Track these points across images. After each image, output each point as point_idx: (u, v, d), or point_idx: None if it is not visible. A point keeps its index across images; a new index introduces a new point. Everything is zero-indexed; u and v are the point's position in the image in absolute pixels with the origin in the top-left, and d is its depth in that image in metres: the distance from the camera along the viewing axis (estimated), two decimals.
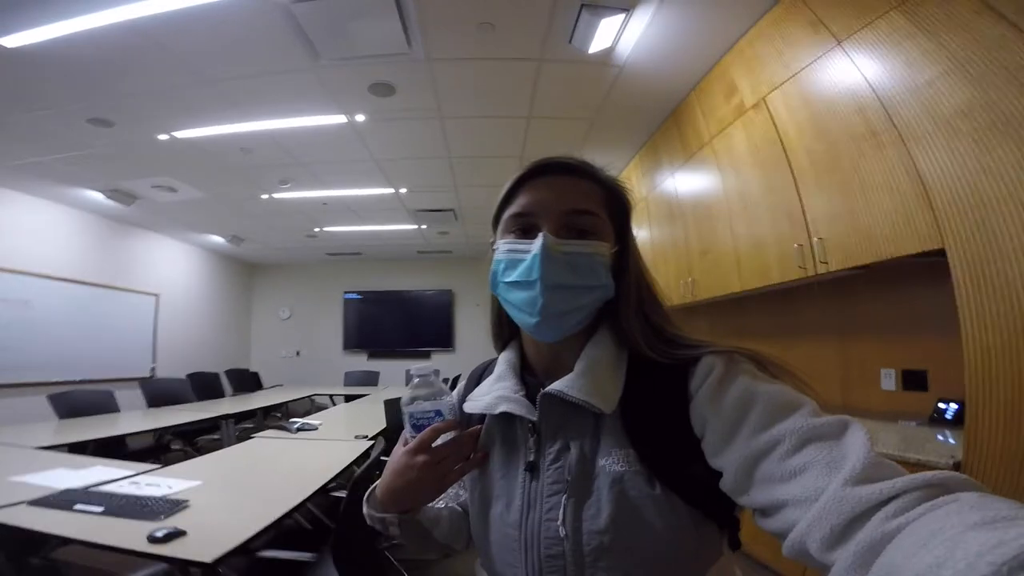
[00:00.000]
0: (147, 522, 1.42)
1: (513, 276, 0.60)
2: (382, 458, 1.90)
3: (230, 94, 2.90)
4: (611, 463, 0.55)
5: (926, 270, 1.78)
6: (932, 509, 0.33)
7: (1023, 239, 1.27)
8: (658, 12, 2.26)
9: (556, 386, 0.58)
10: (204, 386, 5.24)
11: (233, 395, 5.80)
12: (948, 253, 1.45)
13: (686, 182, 3.17)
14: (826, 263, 1.94)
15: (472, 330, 8.23)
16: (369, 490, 0.67)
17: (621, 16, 2.24)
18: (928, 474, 0.37)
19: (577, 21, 2.27)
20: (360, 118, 3.23)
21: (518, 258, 0.60)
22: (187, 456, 3.46)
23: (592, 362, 0.59)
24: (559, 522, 0.55)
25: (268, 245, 7.01)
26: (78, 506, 1.54)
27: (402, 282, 8.35)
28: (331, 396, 5.87)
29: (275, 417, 5.72)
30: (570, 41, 2.41)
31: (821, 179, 1.97)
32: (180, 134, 3.37)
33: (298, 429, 3.10)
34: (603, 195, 0.63)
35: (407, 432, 0.62)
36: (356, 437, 2.84)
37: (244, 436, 3.14)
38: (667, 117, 3.30)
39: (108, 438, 2.97)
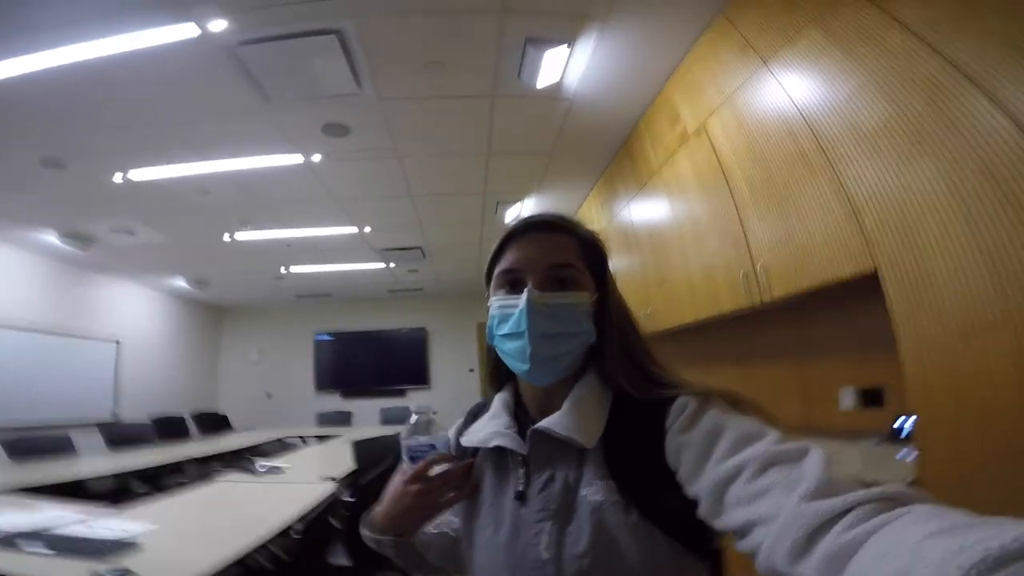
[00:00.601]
0: (94, 562, 1.38)
1: (505, 329, 0.67)
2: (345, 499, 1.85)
3: (182, 135, 2.88)
4: (592, 492, 0.60)
5: (870, 288, 1.81)
6: (888, 521, 0.35)
7: (948, 256, 1.29)
8: (599, 43, 2.31)
9: (544, 423, 0.64)
10: (169, 428, 5.08)
11: (201, 437, 5.61)
12: (880, 274, 1.47)
13: (641, 212, 3.20)
14: (770, 290, 1.96)
15: (448, 367, 8.15)
16: (367, 513, 0.74)
17: (564, 48, 2.29)
18: (880, 487, 0.39)
19: (523, 56, 2.32)
20: (316, 158, 3.23)
21: (508, 312, 0.67)
22: (147, 499, 3.30)
23: (578, 400, 0.65)
24: (542, 546, 0.59)
25: (233, 287, 6.88)
26: (24, 545, 1.52)
27: (374, 322, 8.29)
28: (302, 437, 5.69)
29: (246, 459, 5.51)
30: (519, 76, 2.46)
31: (760, 204, 1.99)
32: (135, 175, 3.31)
33: (264, 471, 3.02)
34: (580, 248, 0.70)
35: (405, 463, 0.69)
36: (323, 479, 2.76)
37: (207, 477, 3.01)
38: (620, 147, 3.36)
39: (65, 483, 2.88)
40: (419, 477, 0.67)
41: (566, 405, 0.65)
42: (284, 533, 1.86)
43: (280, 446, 5.64)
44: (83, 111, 2.58)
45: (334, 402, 7.84)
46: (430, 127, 2.95)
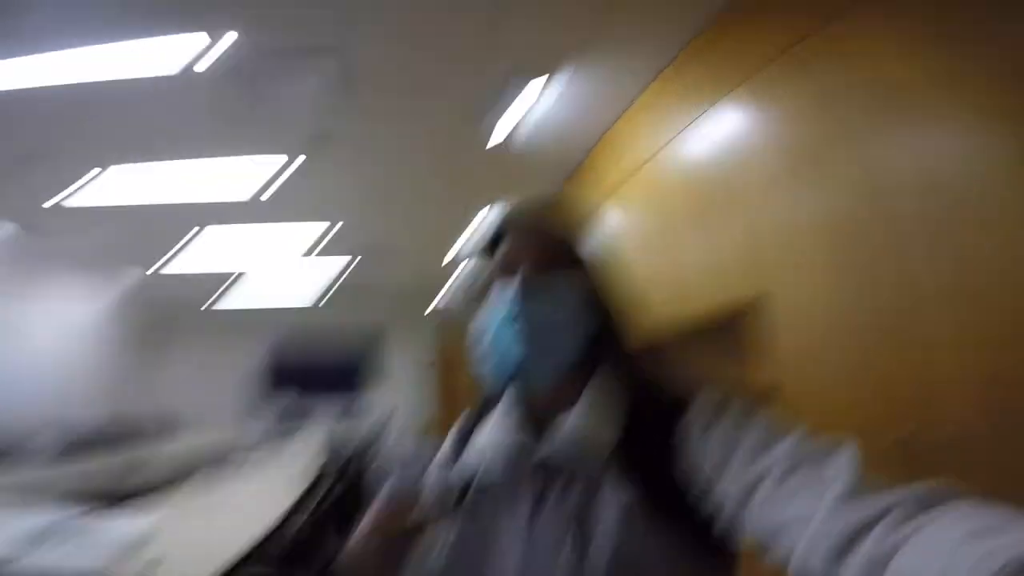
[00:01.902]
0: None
1: (498, 320, 0.65)
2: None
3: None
4: (613, 501, 0.57)
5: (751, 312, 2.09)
6: (924, 524, 0.35)
7: (813, 291, 1.70)
8: (565, 88, 2.65)
9: (547, 449, 0.61)
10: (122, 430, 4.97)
11: (155, 438, 5.52)
12: (766, 301, 1.85)
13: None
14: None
15: (404, 367, 8.31)
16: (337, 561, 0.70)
17: (535, 88, 2.60)
18: (917, 487, 0.39)
19: (498, 93, 2.62)
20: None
21: (499, 303, 0.65)
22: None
23: (588, 407, 0.62)
24: (562, 557, 0.57)
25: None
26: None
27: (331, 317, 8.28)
28: (259, 438, 5.66)
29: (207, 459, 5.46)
30: (492, 105, 2.75)
31: (691, 237, 2.32)
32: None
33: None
34: (569, 242, 0.69)
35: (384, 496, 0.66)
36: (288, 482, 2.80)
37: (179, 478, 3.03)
38: (570, 176, 3.70)
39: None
40: (388, 523, 0.64)
41: (576, 411, 0.62)
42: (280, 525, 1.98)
43: (236, 446, 5.66)
44: (78, 109, 2.65)
45: (291, 401, 7.81)
46: (407, 142, 3.28)
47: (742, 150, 2.02)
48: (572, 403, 0.63)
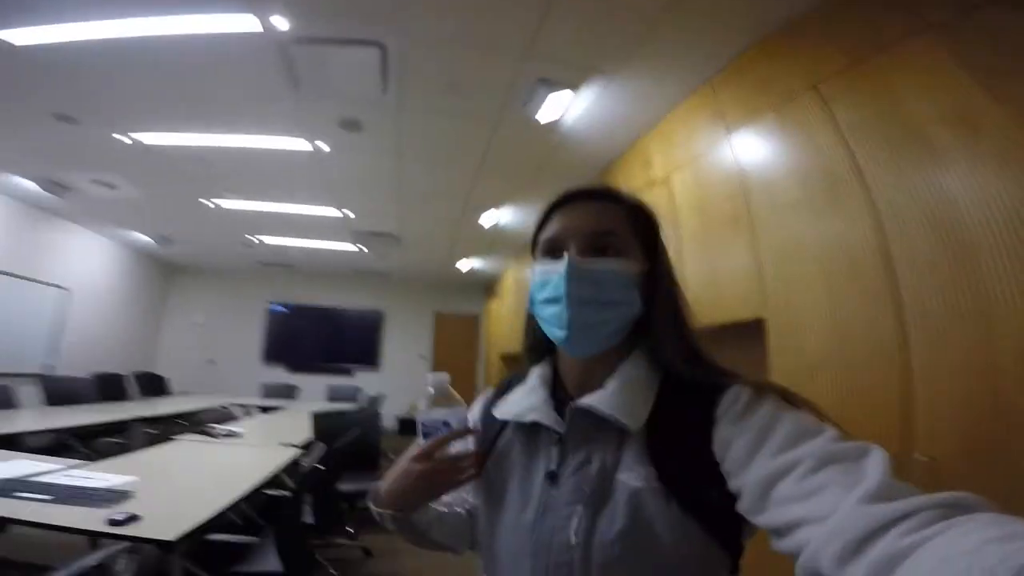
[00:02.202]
0: (99, 508, 1.50)
1: (544, 294, 0.66)
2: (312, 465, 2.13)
3: (204, 109, 3.10)
4: (630, 479, 0.57)
5: (760, 329, 2.14)
6: (948, 528, 0.33)
7: (810, 314, 1.81)
8: (600, 92, 2.71)
9: (587, 400, 0.61)
10: (109, 387, 5.02)
11: (140, 398, 5.57)
12: (767, 321, 1.99)
13: None
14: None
15: (399, 352, 8.37)
16: (374, 486, 0.72)
17: (569, 92, 2.69)
18: (945, 494, 0.37)
19: (533, 93, 2.70)
20: (323, 146, 3.51)
21: (548, 278, 0.65)
22: (90, 458, 3.38)
23: (625, 380, 0.62)
24: (572, 530, 0.57)
25: (197, 248, 6.86)
26: (22, 494, 1.57)
27: (332, 298, 8.37)
28: (246, 407, 5.77)
29: (181, 424, 5.52)
30: (524, 107, 2.84)
31: (696, 252, 2.49)
32: (140, 137, 3.47)
33: (222, 434, 3.20)
34: (626, 215, 0.68)
35: (419, 438, 0.66)
36: (281, 444, 2.98)
37: (157, 440, 3.13)
38: (595, 177, 3.79)
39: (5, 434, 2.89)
40: (427, 456, 0.63)
41: (612, 384, 0.62)
42: (254, 491, 2.03)
43: (222, 413, 5.74)
44: (120, 78, 2.77)
45: (280, 374, 7.88)
46: (436, 137, 3.32)
47: (764, 173, 2.12)
48: (604, 381, 0.63)
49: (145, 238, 6.40)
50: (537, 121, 2.95)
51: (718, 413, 0.57)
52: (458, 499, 0.78)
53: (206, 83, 2.81)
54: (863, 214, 1.66)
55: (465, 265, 7.01)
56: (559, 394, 0.69)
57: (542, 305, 0.66)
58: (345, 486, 3.03)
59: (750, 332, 2.08)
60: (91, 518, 1.45)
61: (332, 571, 2.72)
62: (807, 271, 1.86)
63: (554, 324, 0.65)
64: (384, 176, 4.00)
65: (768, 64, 2.12)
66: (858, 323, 1.66)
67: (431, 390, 0.66)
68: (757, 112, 2.16)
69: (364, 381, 7.63)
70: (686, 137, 2.68)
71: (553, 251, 0.67)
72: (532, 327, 0.73)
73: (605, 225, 0.66)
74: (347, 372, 8.14)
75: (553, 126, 3.06)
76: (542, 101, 2.74)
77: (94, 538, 1.98)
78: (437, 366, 8.42)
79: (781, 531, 0.45)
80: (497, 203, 4.51)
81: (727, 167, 2.33)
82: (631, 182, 3.24)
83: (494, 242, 5.79)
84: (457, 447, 0.65)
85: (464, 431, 0.65)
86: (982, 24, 1.40)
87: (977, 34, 1.41)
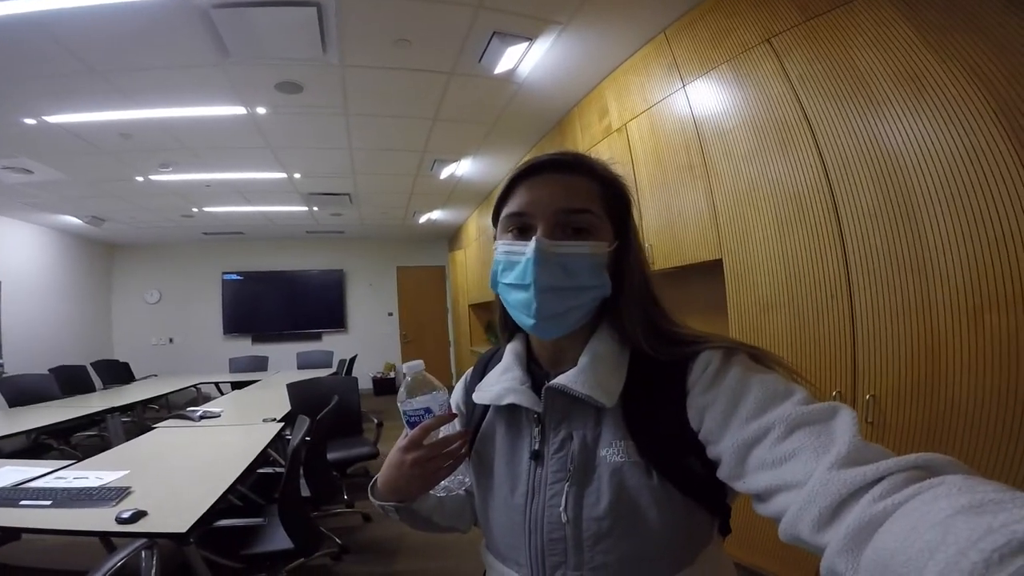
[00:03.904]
0: (104, 508, 1.51)
1: (510, 278, 0.62)
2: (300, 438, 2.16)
3: (120, 83, 2.83)
4: (611, 454, 0.58)
5: (719, 268, 2.31)
6: (919, 492, 0.34)
7: (763, 255, 1.94)
8: (555, 42, 2.65)
9: (560, 380, 0.61)
10: (70, 380, 4.82)
11: (104, 388, 5.40)
12: (724, 262, 2.12)
13: None
14: (654, 263, 2.55)
15: (366, 310, 8.31)
16: (372, 480, 0.71)
17: (525, 44, 2.62)
18: (913, 456, 0.38)
19: (488, 45, 2.61)
20: (261, 111, 3.30)
21: (514, 260, 0.61)
22: (65, 455, 3.32)
23: (594, 357, 0.62)
24: (561, 508, 0.58)
25: (135, 225, 6.45)
26: (23, 502, 1.58)
27: (289, 262, 8.14)
28: (217, 384, 5.69)
29: (153, 410, 5.42)
30: (479, 61, 2.74)
31: (655, 198, 2.57)
32: (52, 119, 3.16)
33: (201, 417, 3.15)
34: (600, 191, 0.63)
35: (405, 428, 0.65)
36: (264, 420, 2.97)
37: (133, 430, 3.09)
38: (553, 127, 3.80)
39: None
40: (416, 444, 0.62)
41: (583, 361, 0.62)
42: (248, 469, 2.04)
43: (196, 393, 5.64)
44: (16, 59, 2.49)
45: (245, 347, 7.74)
46: (384, 93, 3.15)
47: (718, 122, 2.17)
48: (575, 357, 0.63)
49: (76, 221, 5.95)
50: (493, 73, 2.86)
51: (690, 382, 0.57)
52: (455, 482, 0.78)
53: (122, 56, 2.55)
54: (812, 163, 1.75)
55: (424, 218, 6.89)
56: (535, 371, 0.69)
57: (508, 289, 0.63)
58: (332, 454, 3.02)
59: (713, 270, 2.20)
60: (99, 519, 1.45)
61: (337, 539, 2.79)
62: (760, 215, 1.97)
63: (521, 311, 0.62)
64: (331, 135, 3.81)
65: (723, 17, 2.12)
66: (807, 266, 1.79)
67: (408, 379, 0.66)
68: (711, 63, 2.19)
69: (334, 344, 7.60)
70: (641, 86, 2.68)
71: (519, 229, 0.63)
72: (500, 304, 0.70)
73: (577, 202, 0.61)
74: (316, 337, 8.06)
75: (509, 77, 2.97)
76: (497, 53, 2.65)
77: (105, 538, 1.98)
78: (404, 321, 8.45)
79: (761, 496, 0.47)
80: (454, 156, 4.41)
81: (682, 116, 2.37)
82: (588, 131, 3.25)
83: (453, 193, 5.70)
84: (443, 431, 0.65)
85: (447, 416, 0.65)
86: None
87: None
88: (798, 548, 0.42)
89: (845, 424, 0.44)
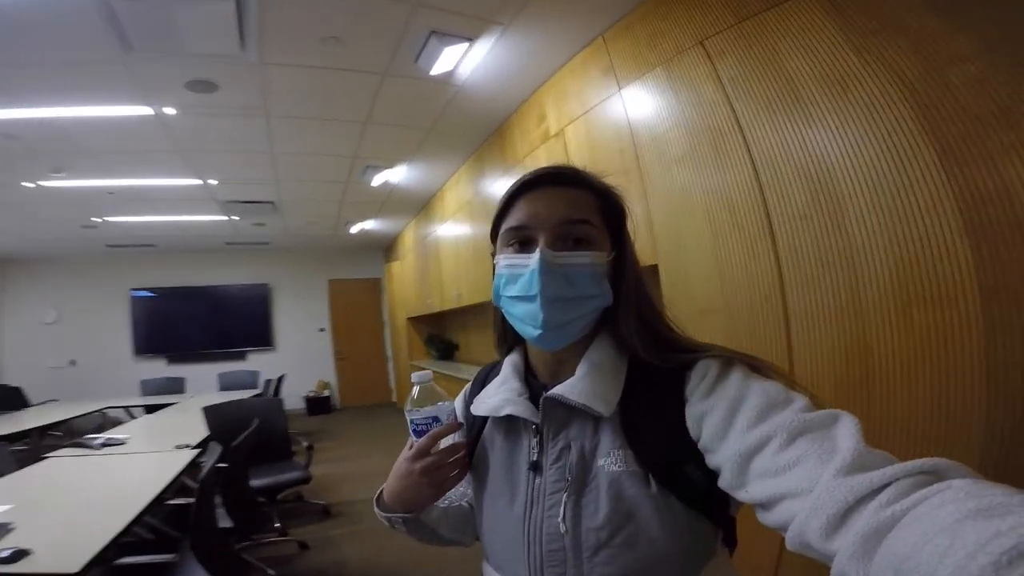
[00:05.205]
0: None
1: (514, 291, 0.63)
2: (219, 466, 2.00)
3: (3, 79, 2.49)
4: (609, 463, 0.58)
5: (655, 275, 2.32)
6: (927, 497, 0.34)
7: (698, 260, 1.95)
8: (495, 44, 2.57)
9: (557, 390, 0.61)
10: None
11: None
12: (659, 267, 2.13)
13: (503, 190, 3.66)
14: None
15: (295, 327, 7.90)
16: (378, 492, 0.72)
17: (464, 45, 2.52)
18: (919, 461, 0.38)
19: (425, 45, 2.50)
20: (170, 111, 3.01)
21: (518, 272, 0.62)
22: None
23: (592, 366, 0.62)
24: (560, 518, 0.58)
25: (25, 237, 5.77)
26: None
27: (208, 276, 7.59)
28: (128, 408, 5.20)
29: (55, 436, 4.83)
30: (415, 61, 2.62)
31: None
32: None
33: (102, 445, 2.85)
34: (597, 202, 0.65)
35: (411, 437, 0.67)
36: (177, 447, 2.74)
37: (29, 461, 2.74)
38: (492, 133, 3.73)
39: None
40: (424, 453, 0.64)
41: (580, 370, 0.62)
42: (156, 501, 1.88)
43: (103, 419, 5.11)
44: None
45: (159, 368, 7.11)
46: (311, 94, 2.97)
47: (653, 126, 2.17)
48: (573, 368, 0.64)
49: None
50: (430, 74, 2.75)
51: (688, 391, 0.57)
52: (459, 494, 0.79)
53: (5, 49, 2.25)
54: (743, 167, 1.77)
55: (357, 227, 6.65)
56: (533, 382, 0.69)
57: (511, 301, 0.64)
58: (258, 480, 2.87)
59: (648, 277, 2.22)
60: None
61: (270, 570, 2.60)
62: (694, 221, 1.97)
63: (527, 323, 0.63)
64: (251, 138, 3.55)
65: (659, 19, 2.13)
66: (741, 269, 1.80)
67: (416, 389, 0.67)
68: (647, 66, 2.19)
69: (260, 363, 7.13)
70: (579, 91, 2.67)
71: (521, 242, 0.64)
72: (499, 319, 0.72)
73: (577, 213, 0.62)
74: (239, 356, 7.54)
75: (448, 79, 2.87)
76: (435, 53, 2.54)
77: None
78: (338, 336, 8.11)
79: (765, 505, 0.46)
80: (388, 162, 4.25)
81: (618, 120, 2.36)
82: (527, 137, 3.21)
83: (387, 202, 5.52)
84: (448, 440, 0.66)
85: (454, 425, 0.67)
86: None
87: None
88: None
89: (848, 430, 0.44)
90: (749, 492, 0.48)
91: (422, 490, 0.65)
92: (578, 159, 2.67)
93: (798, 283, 1.63)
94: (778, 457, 0.45)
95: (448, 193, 4.94)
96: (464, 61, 2.70)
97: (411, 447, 0.66)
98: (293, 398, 7.16)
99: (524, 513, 0.61)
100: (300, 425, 6.27)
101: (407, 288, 6.80)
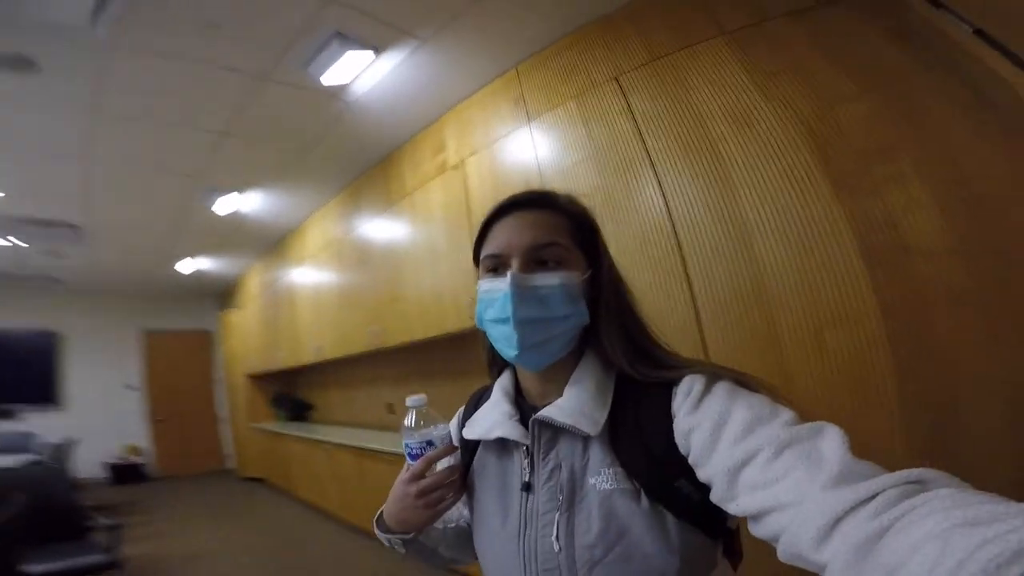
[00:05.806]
0: None
1: (492, 314, 0.65)
2: None
3: None
4: (600, 481, 0.58)
5: None
6: (914, 507, 0.34)
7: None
8: (404, 60, 2.36)
9: (545, 412, 0.62)
10: None
11: None
12: None
13: (382, 230, 3.34)
14: None
15: (94, 382, 6.30)
16: (377, 514, 0.75)
17: (370, 54, 2.27)
18: (905, 472, 0.39)
19: (323, 48, 2.20)
20: None
21: (494, 296, 0.65)
22: None
23: (578, 387, 0.64)
24: (553, 537, 0.59)
25: None
26: None
27: None
28: None
29: None
30: (307, 67, 2.32)
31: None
32: None
33: None
34: (567, 223, 0.67)
35: (407, 461, 0.69)
36: None
37: None
38: (377, 162, 3.43)
39: None
40: (419, 476, 0.66)
41: (567, 391, 0.64)
42: None
43: None
44: None
45: None
46: (161, 91, 2.45)
47: (562, 160, 2.17)
48: (562, 388, 0.65)
49: None
50: (319, 83, 2.44)
51: (675, 407, 0.58)
52: (457, 514, 0.79)
53: None
54: (655, 201, 1.81)
55: (188, 266, 5.65)
56: (522, 403, 0.70)
57: (491, 324, 0.66)
58: (38, 566, 2.32)
59: None
60: None
61: None
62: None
63: (504, 344, 0.65)
64: (64, 139, 2.82)
65: (574, 54, 2.18)
66: (655, 304, 1.79)
67: (411, 414, 0.69)
68: (559, 99, 2.21)
69: (42, 424, 5.48)
70: (485, 121, 2.60)
71: (496, 268, 0.66)
72: (487, 343, 0.74)
73: (545, 237, 0.65)
74: (8, 415, 5.75)
75: (337, 92, 2.58)
76: (332, 59, 2.26)
77: None
78: (156, 395, 6.68)
79: (755, 517, 0.47)
80: (242, 184, 3.68)
81: (525, 154, 2.33)
82: (419, 168, 3.04)
83: (232, 235, 4.77)
84: (444, 463, 0.68)
85: (448, 448, 0.68)
86: (767, 32, 1.63)
87: (761, 40, 1.63)
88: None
89: (834, 442, 0.45)
90: (739, 505, 0.48)
91: (418, 512, 0.67)
92: (479, 193, 2.58)
93: (713, 314, 1.66)
94: (766, 470, 0.46)
95: (311, 229, 4.42)
96: (364, 74, 2.45)
97: (407, 470, 0.68)
98: (92, 466, 5.78)
99: (518, 533, 0.63)
100: (105, 496, 5.05)
101: (249, 341, 5.89)
